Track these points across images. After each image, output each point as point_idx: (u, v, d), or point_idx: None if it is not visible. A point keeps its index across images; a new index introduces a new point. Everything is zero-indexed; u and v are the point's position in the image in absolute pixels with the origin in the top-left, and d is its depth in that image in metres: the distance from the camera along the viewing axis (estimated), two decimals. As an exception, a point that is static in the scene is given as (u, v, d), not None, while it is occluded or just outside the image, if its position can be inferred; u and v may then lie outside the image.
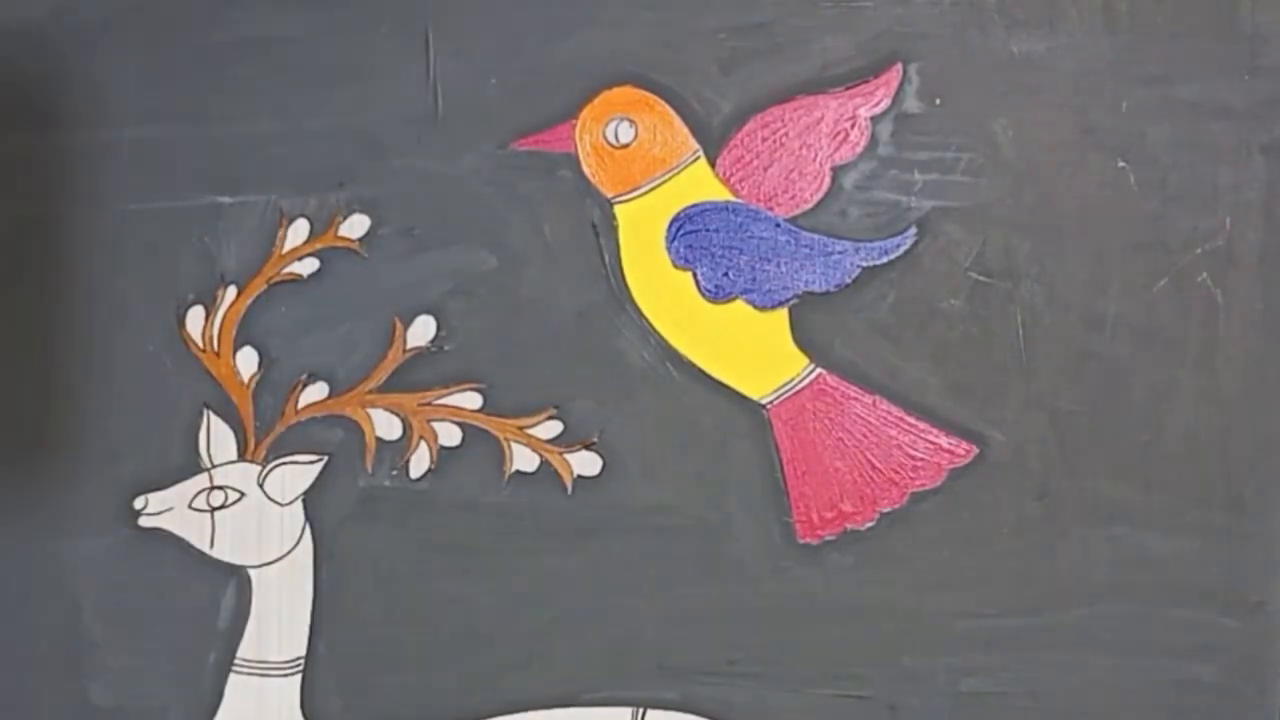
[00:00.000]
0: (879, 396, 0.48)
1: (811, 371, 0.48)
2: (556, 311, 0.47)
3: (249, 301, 0.47)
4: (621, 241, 0.47)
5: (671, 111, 0.46)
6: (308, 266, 0.47)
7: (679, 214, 0.47)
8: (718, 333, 0.47)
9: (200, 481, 0.47)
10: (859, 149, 0.47)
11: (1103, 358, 0.48)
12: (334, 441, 0.48)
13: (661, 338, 0.48)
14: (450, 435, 0.48)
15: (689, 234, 0.47)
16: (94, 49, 0.46)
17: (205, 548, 0.44)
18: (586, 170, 0.47)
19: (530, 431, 0.48)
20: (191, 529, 0.47)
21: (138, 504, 0.47)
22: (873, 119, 0.46)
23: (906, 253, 0.47)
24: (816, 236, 0.47)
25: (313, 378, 0.48)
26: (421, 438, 0.48)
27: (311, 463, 0.48)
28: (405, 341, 0.48)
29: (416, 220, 0.47)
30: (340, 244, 0.47)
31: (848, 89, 0.46)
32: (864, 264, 0.47)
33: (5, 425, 0.47)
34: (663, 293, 0.47)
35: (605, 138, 0.47)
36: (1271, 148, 0.46)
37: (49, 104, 0.46)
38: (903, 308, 0.47)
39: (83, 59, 0.46)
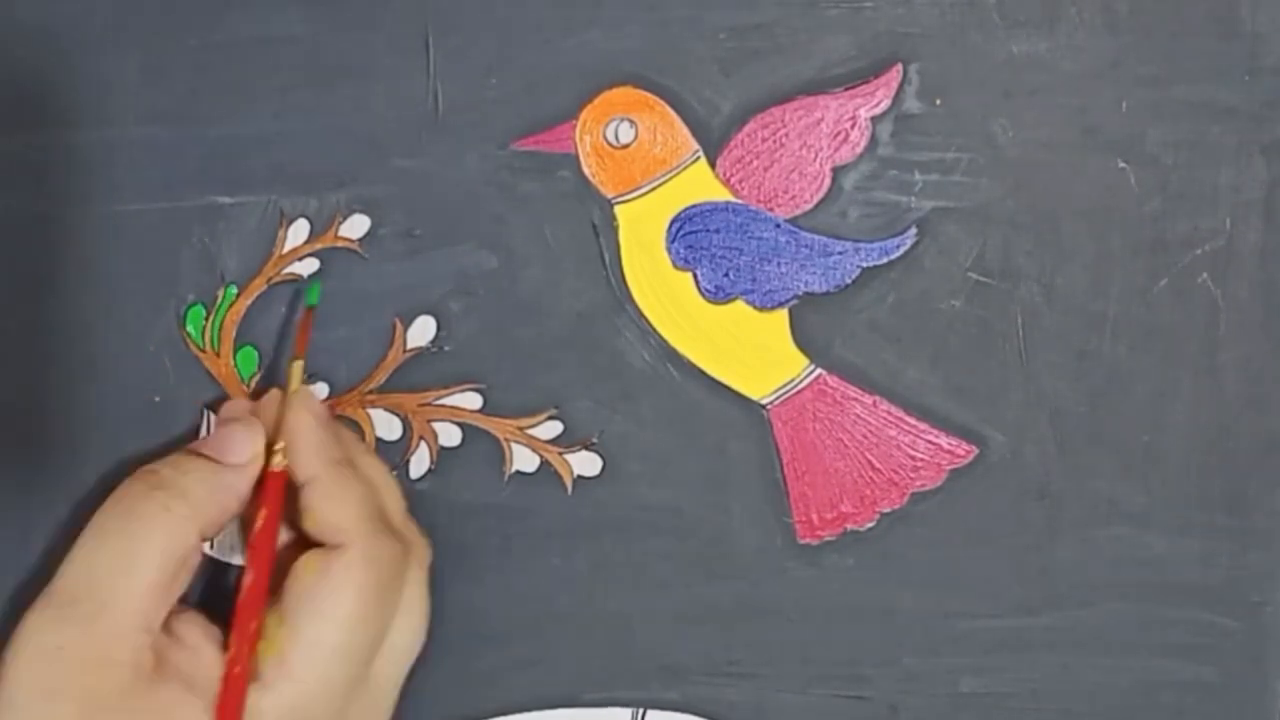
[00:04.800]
0: (879, 397, 0.48)
1: (811, 372, 0.48)
2: (557, 312, 0.47)
3: (249, 302, 0.47)
4: (622, 242, 0.47)
5: (672, 112, 0.46)
6: (308, 267, 0.47)
7: (679, 214, 0.47)
8: (718, 333, 0.47)
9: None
10: (859, 149, 0.47)
11: (1103, 358, 0.48)
12: (334, 442, 0.48)
13: (661, 338, 0.48)
14: (450, 436, 0.48)
15: (689, 234, 0.47)
16: (93, 48, 0.46)
17: (205, 548, 0.44)
18: (587, 171, 0.47)
19: (530, 432, 0.48)
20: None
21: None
22: (873, 119, 0.46)
23: (907, 253, 0.47)
24: (816, 237, 0.47)
25: (313, 378, 0.47)
26: (421, 438, 0.48)
27: (311, 463, 0.47)
28: (405, 342, 0.48)
29: (416, 221, 0.47)
30: (340, 244, 0.47)
31: (848, 89, 0.46)
32: (864, 265, 0.47)
33: (3, 425, 0.47)
34: (663, 293, 0.47)
35: (605, 138, 0.47)
36: (1272, 148, 0.46)
37: (47, 103, 0.46)
38: (903, 308, 0.47)
39: (82, 58, 0.46)
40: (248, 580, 0.41)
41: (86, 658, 0.39)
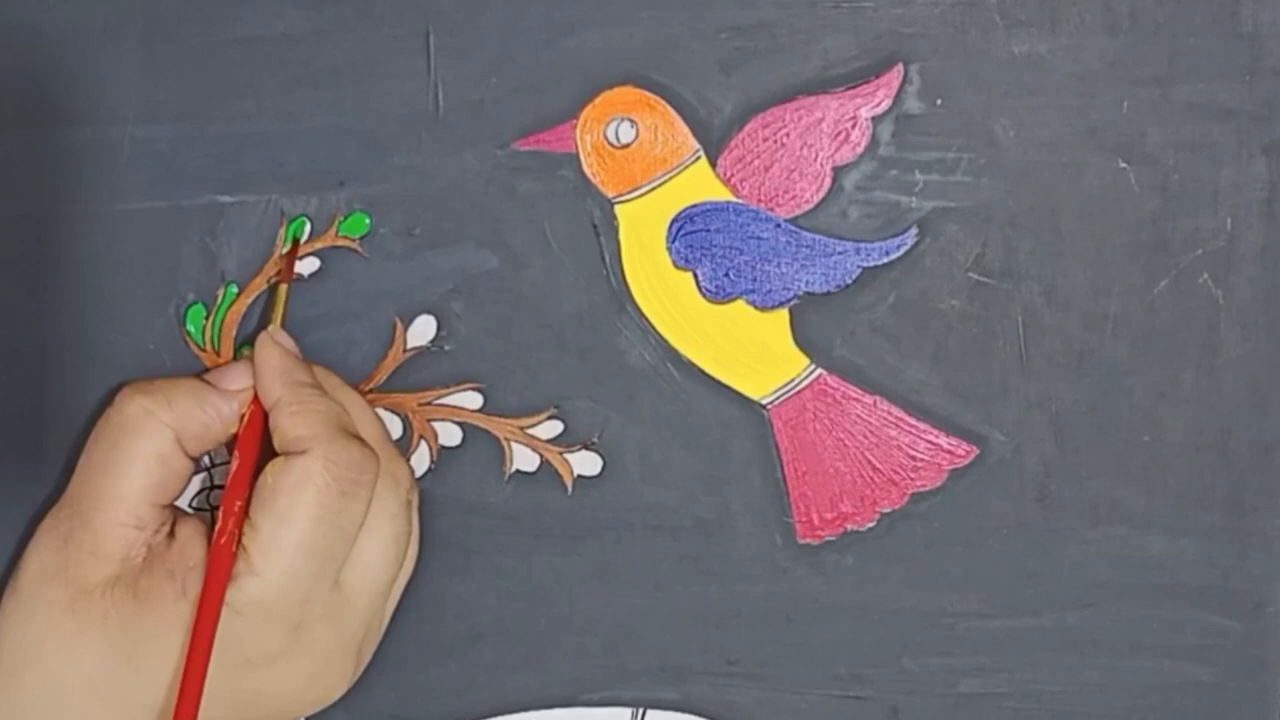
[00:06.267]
0: (879, 397, 0.48)
1: (812, 372, 0.48)
2: (557, 311, 0.47)
3: (249, 301, 0.47)
4: (622, 241, 0.47)
5: (672, 111, 0.46)
6: (308, 266, 0.47)
7: (679, 214, 0.47)
8: (718, 333, 0.47)
9: (201, 481, 0.47)
10: (860, 149, 0.47)
11: (1103, 358, 0.48)
12: (334, 441, 0.48)
13: (662, 338, 0.48)
14: (450, 435, 0.48)
15: (690, 234, 0.47)
16: (93, 47, 0.46)
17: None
18: (587, 170, 0.47)
19: (530, 431, 0.48)
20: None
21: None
22: (874, 119, 0.46)
23: (907, 253, 0.47)
24: (817, 237, 0.47)
25: (313, 377, 0.47)
26: (422, 437, 0.48)
27: (312, 462, 0.48)
28: (405, 341, 0.48)
29: (417, 220, 0.47)
30: (340, 244, 0.47)
31: (849, 89, 0.46)
32: (865, 264, 0.47)
33: (3, 424, 0.47)
34: (663, 293, 0.47)
35: (606, 137, 0.47)
36: (1273, 148, 0.46)
37: (48, 102, 0.46)
38: (903, 308, 0.47)
39: (81, 57, 0.46)
40: (233, 467, 0.43)
41: (82, 549, 0.43)
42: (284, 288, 0.46)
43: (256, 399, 0.44)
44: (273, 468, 0.43)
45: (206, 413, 0.44)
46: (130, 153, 0.47)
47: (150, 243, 0.47)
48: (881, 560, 0.48)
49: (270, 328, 0.45)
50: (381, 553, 0.44)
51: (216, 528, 0.42)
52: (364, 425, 0.45)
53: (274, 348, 0.44)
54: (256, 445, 0.44)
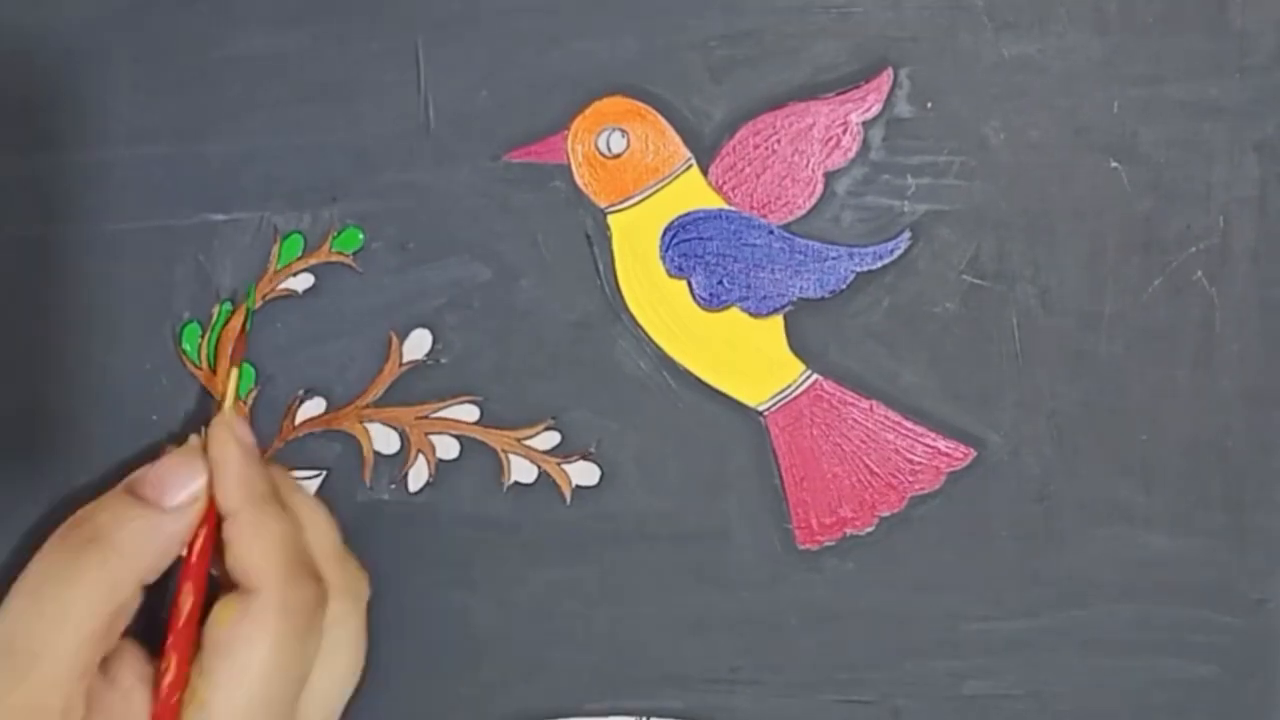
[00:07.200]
0: (876, 401, 0.48)
1: (808, 377, 0.48)
2: (552, 322, 0.47)
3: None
4: (615, 251, 0.47)
5: (663, 120, 0.46)
6: (302, 282, 0.47)
7: (672, 223, 0.47)
8: (713, 341, 0.47)
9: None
10: (851, 154, 0.47)
11: (1099, 358, 0.48)
12: (332, 456, 0.48)
13: (657, 347, 0.48)
14: (448, 448, 0.48)
15: (683, 243, 0.47)
16: (85, 68, 0.46)
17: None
18: (579, 181, 0.47)
19: (528, 443, 0.48)
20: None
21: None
22: (864, 124, 0.46)
23: (901, 257, 0.47)
24: (810, 243, 0.47)
25: (309, 393, 0.48)
26: (419, 451, 0.48)
27: (309, 478, 0.48)
28: (401, 355, 0.48)
29: (410, 234, 0.47)
30: (334, 259, 0.47)
31: (839, 95, 0.46)
32: (858, 269, 0.47)
33: (2, 446, 0.47)
34: (658, 302, 0.47)
35: (597, 148, 0.47)
36: (1264, 145, 0.46)
37: (41, 124, 0.46)
38: (898, 312, 0.47)
39: (74, 78, 0.46)
40: (184, 606, 0.42)
41: (19, 706, 0.39)
42: (235, 371, 0.45)
43: (209, 517, 0.42)
44: (225, 611, 0.41)
45: (157, 544, 0.41)
46: (123, 173, 0.47)
47: (145, 262, 0.47)
48: (882, 564, 0.48)
49: (225, 410, 0.44)
50: (335, 677, 0.43)
51: (166, 681, 0.41)
52: (319, 536, 0.44)
53: (232, 446, 0.42)
54: (206, 579, 0.42)
